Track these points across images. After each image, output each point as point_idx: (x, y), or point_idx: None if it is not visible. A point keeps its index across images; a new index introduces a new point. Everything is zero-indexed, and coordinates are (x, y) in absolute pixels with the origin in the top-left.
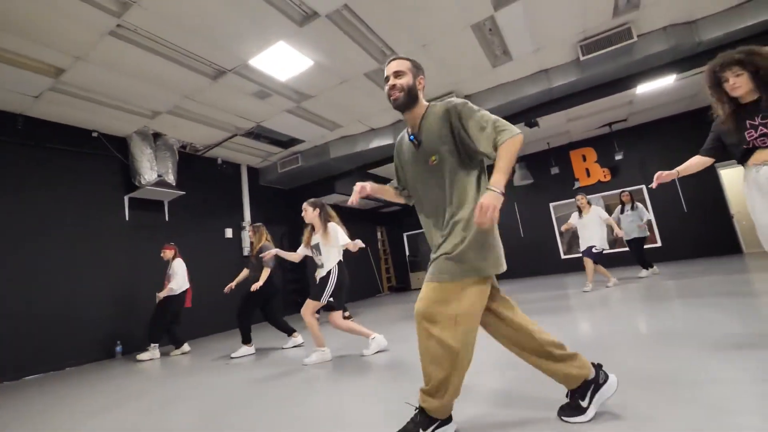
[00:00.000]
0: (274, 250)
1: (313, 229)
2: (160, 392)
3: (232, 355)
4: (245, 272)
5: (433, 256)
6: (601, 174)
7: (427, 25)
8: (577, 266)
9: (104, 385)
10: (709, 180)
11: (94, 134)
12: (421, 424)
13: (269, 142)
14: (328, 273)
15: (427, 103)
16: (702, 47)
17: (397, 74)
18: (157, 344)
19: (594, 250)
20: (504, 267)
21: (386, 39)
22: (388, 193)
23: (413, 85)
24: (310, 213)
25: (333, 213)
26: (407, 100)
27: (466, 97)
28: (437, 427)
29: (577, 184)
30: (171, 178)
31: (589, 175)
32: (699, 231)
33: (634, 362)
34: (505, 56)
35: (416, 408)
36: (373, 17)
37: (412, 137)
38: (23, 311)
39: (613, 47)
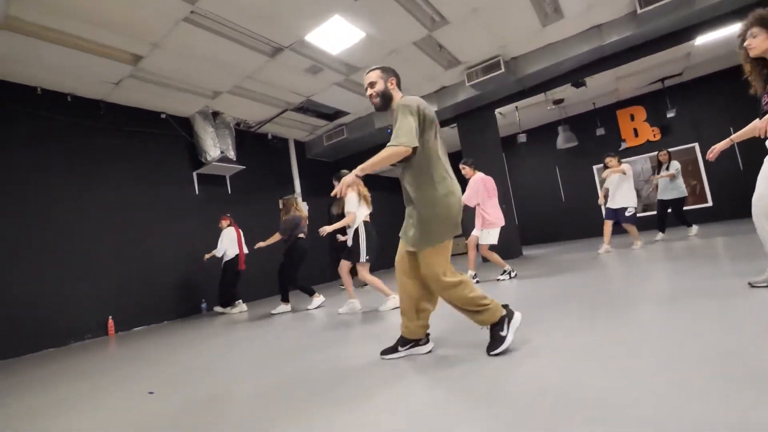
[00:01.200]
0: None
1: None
2: (212, 341)
3: (272, 311)
4: (277, 236)
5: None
6: (650, 133)
7: None
8: (618, 228)
9: (187, 334)
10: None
11: (163, 116)
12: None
13: (316, 115)
14: (356, 234)
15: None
16: None
17: (372, 84)
18: (238, 301)
19: (627, 213)
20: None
21: (436, 4)
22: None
23: (385, 89)
24: (336, 186)
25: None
26: (384, 103)
27: (513, 59)
28: (413, 346)
29: (623, 145)
30: (232, 154)
31: (637, 135)
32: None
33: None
34: (556, 14)
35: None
36: None
37: (389, 131)
38: (119, 271)
39: None
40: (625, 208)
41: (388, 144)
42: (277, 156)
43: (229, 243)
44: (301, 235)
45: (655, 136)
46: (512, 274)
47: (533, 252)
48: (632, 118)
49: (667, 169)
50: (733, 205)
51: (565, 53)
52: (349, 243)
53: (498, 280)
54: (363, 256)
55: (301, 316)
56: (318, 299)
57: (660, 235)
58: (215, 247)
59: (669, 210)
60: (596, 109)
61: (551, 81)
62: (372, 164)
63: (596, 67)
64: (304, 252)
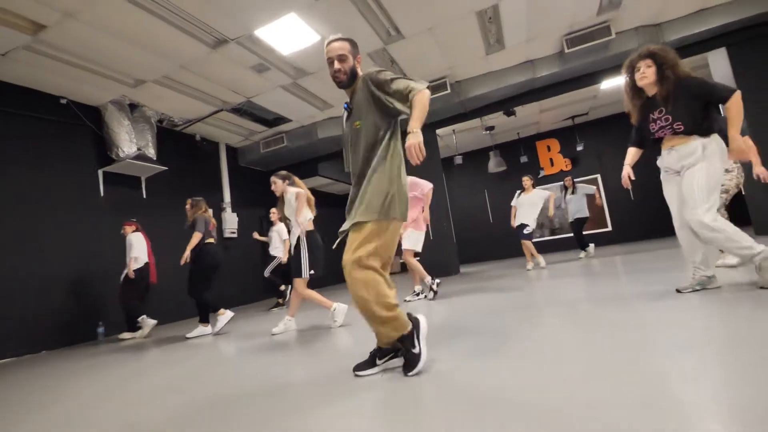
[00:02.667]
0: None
1: (283, 201)
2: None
3: (187, 335)
4: (197, 236)
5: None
6: (563, 164)
7: (437, 7)
8: (540, 249)
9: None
10: (652, 171)
11: (63, 101)
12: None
13: (254, 119)
14: (297, 244)
15: (361, 74)
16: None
17: (341, 58)
18: (141, 317)
19: (525, 231)
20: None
21: (395, 19)
22: None
23: (353, 66)
24: (279, 185)
25: (301, 183)
26: (350, 82)
27: (458, 82)
28: (392, 357)
29: (542, 173)
30: (151, 152)
31: (552, 164)
32: (645, 216)
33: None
34: (498, 45)
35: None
36: None
37: (345, 105)
38: None
39: (594, 42)
40: (525, 225)
41: (411, 92)
42: (205, 160)
43: (141, 250)
44: (211, 240)
45: (567, 167)
46: (429, 292)
47: (469, 269)
48: (549, 149)
49: (573, 193)
50: (629, 230)
51: (503, 82)
52: (280, 254)
53: (405, 300)
54: (305, 271)
55: (226, 338)
56: (223, 317)
57: (583, 253)
58: (123, 257)
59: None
60: (520, 138)
61: (488, 106)
62: (422, 116)
63: (527, 97)
64: (215, 258)
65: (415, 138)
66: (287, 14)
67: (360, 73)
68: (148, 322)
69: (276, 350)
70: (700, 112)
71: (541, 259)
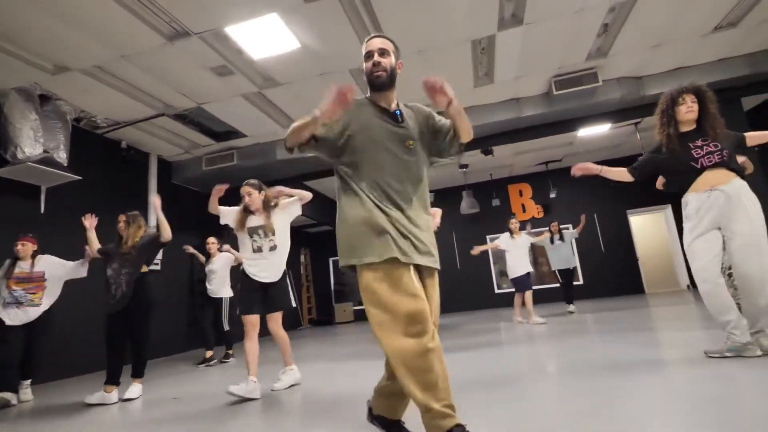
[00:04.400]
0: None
1: (250, 212)
2: None
3: (87, 401)
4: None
5: (406, 230)
6: (535, 210)
7: (432, 30)
8: (509, 301)
9: None
10: (621, 224)
11: None
12: None
13: (201, 130)
14: (284, 272)
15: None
16: (645, 101)
17: (383, 52)
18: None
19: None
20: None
21: (388, 35)
22: (300, 130)
23: (395, 67)
24: (256, 198)
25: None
26: (388, 82)
27: (440, 112)
28: None
29: (514, 218)
30: (62, 156)
31: (524, 210)
32: (614, 271)
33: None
34: (488, 78)
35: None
36: (385, 11)
37: (398, 112)
38: None
39: (581, 87)
40: (528, 274)
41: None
42: (129, 173)
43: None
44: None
45: (539, 213)
46: None
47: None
48: (521, 193)
49: (561, 239)
50: (600, 284)
51: (488, 117)
52: (271, 277)
53: None
54: (294, 301)
55: (168, 403)
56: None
57: (572, 306)
58: None
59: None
60: (492, 180)
61: (469, 142)
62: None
63: (509, 137)
64: (154, 293)
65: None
66: (269, 14)
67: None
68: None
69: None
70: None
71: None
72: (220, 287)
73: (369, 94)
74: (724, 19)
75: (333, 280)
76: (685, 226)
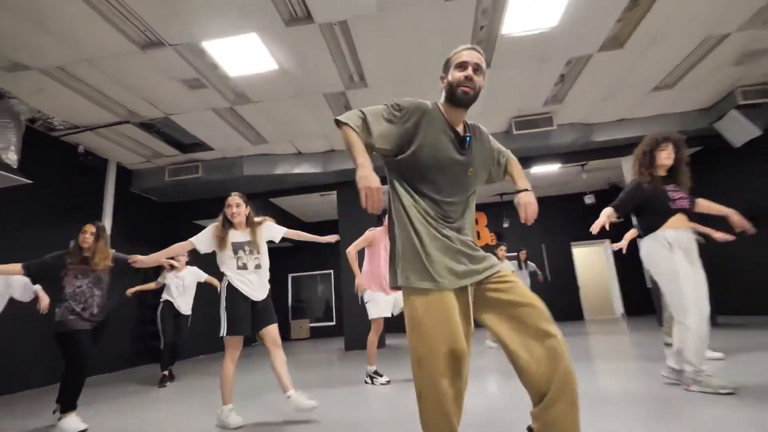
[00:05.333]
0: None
1: (231, 225)
2: None
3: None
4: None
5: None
6: (488, 238)
7: (408, 64)
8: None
9: None
10: (566, 255)
11: None
12: None
13: (166, 140)
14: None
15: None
16: (593, 146)
17: (478, 70)
18: None
19: None
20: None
21: (364, 65)
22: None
23: (481, 89)
24: (244, 211)
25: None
26: (471, 102)
27: None
28: None
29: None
30: (12, 158)
31: (479, 237)
32: (558, 298)
33: None
34: None
35: None
36: (364, 42)
37: (468, 138)
38: None
39: (538, 129)
40: None
41: (508, 158)
42: (85, 179)
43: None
44: None
45: (492, 241)
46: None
47: (395, 341)
48: (476, 221)
49: (526, 268)
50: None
51: None
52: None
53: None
54: (223, 328)
55: None
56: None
57: None
58: None
59: None
60: None
61: None
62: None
63: None
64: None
65: (531, 197)
66: (249, 33)
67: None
68: None
69: None
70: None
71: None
72: (189, 304)
73: (442, 101)
74: (662, 82)
75: (291, 297)
76: (661, 255)
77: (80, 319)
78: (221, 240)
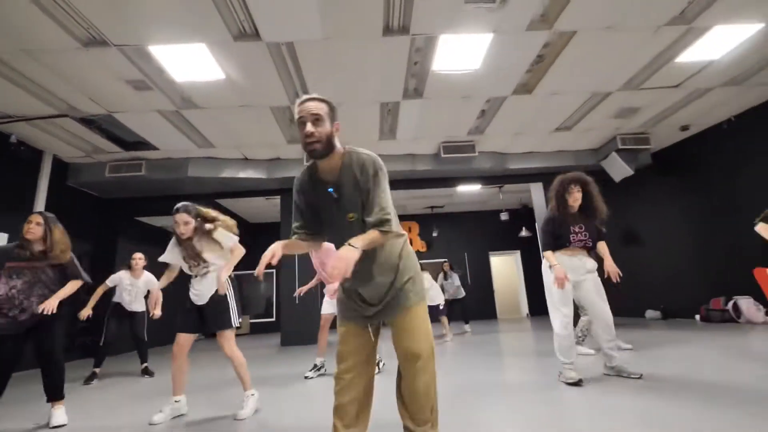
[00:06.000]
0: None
1: (187, 244)
2: None
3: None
4: (75, 285)
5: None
6: (420, 245)
7: (349, 87)
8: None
9: None
10: (484, 263)
11: None
12: None
13: (108, 137)
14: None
15: (343, 149)
16: (507, 172)
17: (316, 120)
18: None
19: (441, 308)
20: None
21: (308, 84)
22: (298, 246)
23: (331, 133)
24: (192, 227)
25: (213, 213)
26: (325, 151)
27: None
28: None
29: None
30: None
31: (412, 244)
32: (477, 300)
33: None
34: (391, 134)
35: None
36: (309, 64)
37: (331, 189)
38: None
39: (462, 155)
40: (439, 305)
41: (382, 227)
42: (16, 170)
43: None
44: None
45: (423, 248)
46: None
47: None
48: (410, 229)
49: (449, 277)
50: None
51: (389, 167)
52: (201, 299)
53: (306, 377)
54: (236, 320)
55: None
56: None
57: (468, 326)
58: None
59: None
60: None
61: None
62: (369, 245)
63: (404, 184)
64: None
65: (350, 253)
66: (197, 43)
67: (337, 142)
68: None
69: None
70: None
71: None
72: (142, 303)
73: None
74: (563, 124)
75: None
76: (548, 273)
77: (13, 323)
78: (177, 256)
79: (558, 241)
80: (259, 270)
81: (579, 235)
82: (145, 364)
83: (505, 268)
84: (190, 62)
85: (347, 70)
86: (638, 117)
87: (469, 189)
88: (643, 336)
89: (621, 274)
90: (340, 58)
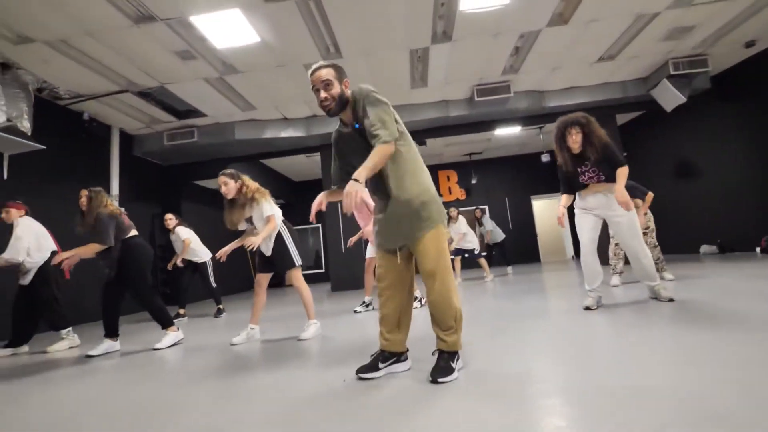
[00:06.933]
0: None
1: (235, 203)
2: None
3: (91, 352)
4: (94, 248)
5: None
6: (459, 193)
7: (377, 37)
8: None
9: None
10: (526, 207)
11: None
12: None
13: (163, 107)
14: (279, 236)
15: (350, 93)
16: (545, 111)
17: (327, 85)
18: (67, 329)
19: (476, 252)
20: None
21: (338, 38)
22: (339, 195)
23: (341, 92)
24: (232, 187)
25: (252, 182)
26: (339, 108)
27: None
28: (394, 362)
29: (441, 199)
30: (26, 126)
31: (450, 193)
32: (519, 244)
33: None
34: (422, 82)
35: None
36: (337, 15)
37: (357, 125)
38: None
39: (497, 96)
40: (473, 249)
41: (377, 141)
42: (91, 144)
43: (35, 238)
44: (134, 232)
45: (462, 196)
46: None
47: None
48: (448, 178)
49: (481, 224)
50: (508, 254)
51: (421, 115)
52: (267, 252)
53: (355, 311)
54: (297, 259)
55: (154, 356)
56: (173, 335)
57: (510, 268)
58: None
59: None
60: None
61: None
62: (373, 166)
63: (438, 132)
64: (147, 251)
65: (354, 187)
66: (231, 9)
67: (349, 95)
68: (71, 337)
69: (258, 363)
70: (608, 166)
71: (458, 275)
72: (202, 251)
73: None
74: (605, 53)
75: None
76: (575, 214)
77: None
78: (233, 220)
79: (572, 183)
80: (312, 217)
81: (588, 173)
82: (218, 306)
83: (547, 212)
84: (227, 28)
85: (374, 19)
86: (692, 36)
87: (506, 132)
88: (690, 269)
89: (633, 206)
90: (366, 8)
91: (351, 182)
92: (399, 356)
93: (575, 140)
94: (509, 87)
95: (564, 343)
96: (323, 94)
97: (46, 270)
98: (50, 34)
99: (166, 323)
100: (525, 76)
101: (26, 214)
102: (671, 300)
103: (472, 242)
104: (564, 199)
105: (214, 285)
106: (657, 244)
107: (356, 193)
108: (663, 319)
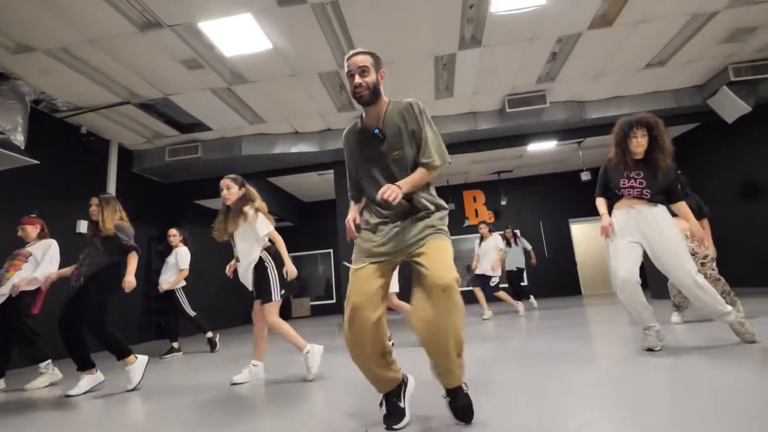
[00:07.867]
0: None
1: (232, 212)
2: None
3: (70, 392)
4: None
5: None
6: (486, 215)
7: (399, 44)
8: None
9: None
10: (564, 232)
11: None
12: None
13: (165, 120)
14: (261, 264)
15: (387, 100)
16: (586, 123)
17: (363, 71)
18: (47, 361)
19: (492, 282)
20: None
21: (356, 43)
22: (357, 209)
23: (377, 82)
24: (235, 192)
25: (255, 193)
26: (372, 98)
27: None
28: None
29: (467, 222)
30: (19, 139)
31: (477, 215)
32: (555, 274)
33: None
34: (447, 92)
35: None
36: (355, 22)
37: (377, 130)
38: None
39: (531, 107)
40: (490, 278)
41: (430, 163)
42: (88, 160)
43: (51, 262)
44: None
45: (490, 218)
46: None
47: (393, 317)
48: (474, 199)
49: (517, 244)
50: (542, 285)
51: (446, 128)
52: (248, 285)
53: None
54: (276, 294)
55: (151, 394)
56: (91, 377)
57: (533, 299)
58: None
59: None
60: (448, 185)
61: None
62: (415, 186)
63: (465, 147)
64: (121, 280)
65: (396, 190)
66: (242, 14)
67: (383, 92)
68: (50, 372)
69: (261, 407)
70: (662, 191)
71: (520, 306)
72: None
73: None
74: (655, 58)
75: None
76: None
77: (71, 290)
78: (222, 229)
79: (608, 191)
80: (351, 233)
81: (632, 181)
82: (207, 336)
83: (588, 237)
84: (237, 35)
85: (396, 24)
86: (756, 38)
87: (541, 147)
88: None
89: (710, 242)
90: (388, 12)
91: (395, 185)
92: (403, 382)
93: (640, 143)
94: (545, 97)
95: (624, 396)
96: (358, 79)
97: (27, 300)
98: (51, 42)
99: (126, 353)
100: (563, 84)
101: (42, 229)
102: (753, 341)
103: (496, 271)
104: (602, 204)
105: (192, 314)
106: (720, 277)
107: (399, 192)
108: (750, 363)
